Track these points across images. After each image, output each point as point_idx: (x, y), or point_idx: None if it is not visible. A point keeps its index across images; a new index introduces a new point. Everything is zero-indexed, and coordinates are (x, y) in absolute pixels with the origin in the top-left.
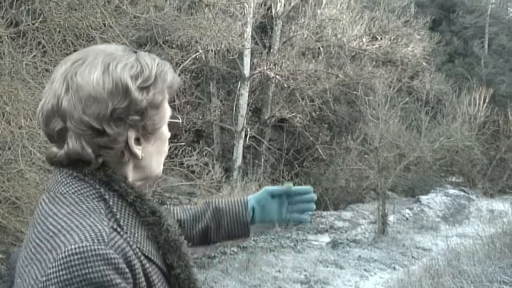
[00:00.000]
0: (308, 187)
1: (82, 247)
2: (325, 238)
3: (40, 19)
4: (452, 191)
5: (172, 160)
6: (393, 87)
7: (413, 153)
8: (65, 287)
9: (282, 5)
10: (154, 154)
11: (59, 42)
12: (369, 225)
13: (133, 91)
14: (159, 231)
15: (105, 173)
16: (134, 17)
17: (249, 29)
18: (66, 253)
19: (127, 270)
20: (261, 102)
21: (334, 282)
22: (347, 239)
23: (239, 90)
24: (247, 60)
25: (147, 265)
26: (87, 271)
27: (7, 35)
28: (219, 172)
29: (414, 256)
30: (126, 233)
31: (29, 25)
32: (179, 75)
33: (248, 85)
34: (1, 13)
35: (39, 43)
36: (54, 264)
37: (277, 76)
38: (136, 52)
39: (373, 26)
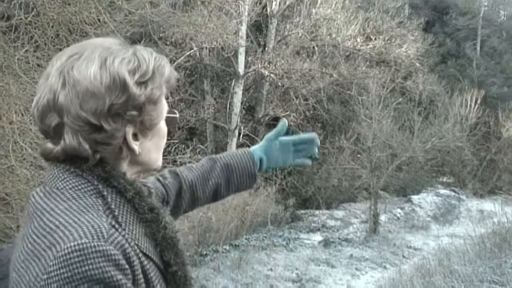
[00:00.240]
0: (312, 135)
1: (82, 243)
2: (317, 237)
3: (33, 13)
4: (443, 191)
5: (165, 157)
6: (386, 87)
7: (405, 153)
8: (66, 284)
9: (277, 3)
10: (152, 150)
11: (52, 37)
12: (360, 224)
13: (131, 86)
14: (157, 228)
15: (103, 169)
16: (129, 13)
17: (244, 27)
18: (66, 251)
19: (126, 266)
20: (255, 101)
21: (325, 281)
22: (339, 238)
23: (233, 88)
24: (241, 58)
25: (145, 262)
26: (87, 268)
27: None
28: None
29: (405, 255)
30: (125, 230)
31: (21, 19)
32: None
33: (242, 83)
34: None
35: (32, 37)
36: (54, 262)
37: (272, 75)
38: (133, 46)
39: (368, 26)
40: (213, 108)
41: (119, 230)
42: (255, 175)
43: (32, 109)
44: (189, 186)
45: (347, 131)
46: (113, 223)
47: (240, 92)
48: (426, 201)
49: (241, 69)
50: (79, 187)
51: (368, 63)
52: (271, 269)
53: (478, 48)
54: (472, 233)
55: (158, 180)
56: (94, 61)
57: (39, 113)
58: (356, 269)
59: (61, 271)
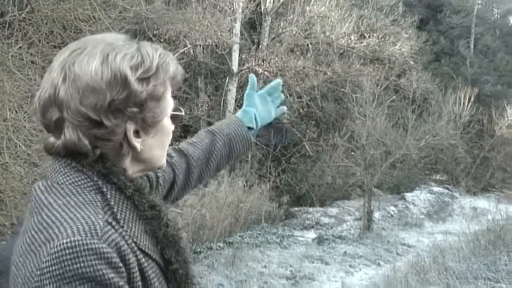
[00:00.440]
0: (277, 80)
1: (74, 241)
2: (311, 234)
3: (27, 9)
4: (436, 188)
5: None
6: (380, 85)
7: (399, 150)
8: (58, 281)
9: (271, 1)
10: (155, 147)
11: (46, 34)
12: (354, 222)
13: (132, 82)
14: (158, 225)
15: (104, 165)
16: (124, 10)
17: (238, 25)
18: (59, 247)
19: (120, 264)
20: None
21: (319, 278)
22: (333, 235)
23: (227, 86)
24: (235, 56)
25: (143, 259)
26: (79, 265)
27: None
28: None
29: (398, 252)
30: (122, 227)
31: (15, 15)
32: None
33: (236, 81)
34: None
35: (26, 34)
36: (47, 258)
37: (266, 72)
38: (138, 42)
39: (362, 24)
40: (207, 105)
41: (116, 227)
42: (251, 141)
43: (35, 103)
44: (197, 162)
45: (341, 128)
46: (110, 220)
47: (234, 90)
48: (419, 198)
49: (235, 67)
50: (79, 183)
51: (362, 60)
52: (265, 266)
53: (472, 46)
54: (466, 231)
55: None
56: (95, 56)
57: (40, 107)
58: (350, 266)
59: (53, 267)
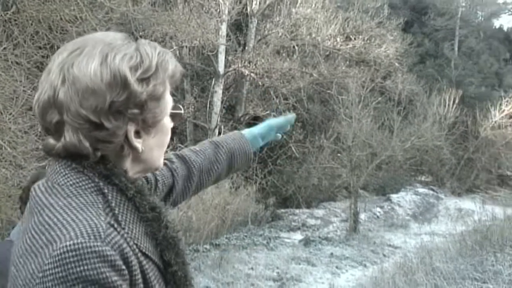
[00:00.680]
0: (292, 116)
1: (78, 243)
2: (298, 236)
3: (13, 10)
4: (421, 190)
5: None
6: (366, 87)
7: (385, 152)
8: (61, 284)
9: (258, 3)
10: (155, 147)
11: (31, 34)
12: (341, 223)
13: (132, 83)
14: (158, 227)
15: (105, 166)
16: (111, 10)
17: (224, 26)
18: (62, 250)
19: (123, 267)
20: (235, 100)
21: (306, 279)
22: (319, 237)
23: (213, 87)
24: (221, 57)
25: (144, 262)
26: (82, 268)
27: None
28: None
29: (385, 253)
30: (124, 229)
31: (0, 16)
32: None
33: (223, 83)
34: None
35: (11, 35)
36: (50, 260)
37: (252, 74)
38: (136, 41)
39: (347, 26)
40: (193, 107)
41: (118, 229)
42: (251, 159)
43: (34, 105)
44: (198, 170)
45: (327, 130)
46: (112, 222)
47: (220, 91)
48: (405, 200)
49: (221, 68)
50: (80, 184)
51: (348, 62)
52: (252, 268)
53: (456, 49)
54: (452, 231)
55: (165, 164)
56: (94, 57)
57: (40, 110)
58: (337, 267)
59: (56, 270)
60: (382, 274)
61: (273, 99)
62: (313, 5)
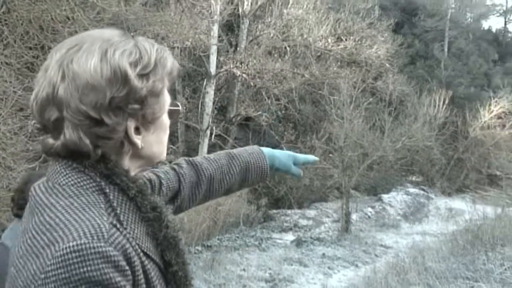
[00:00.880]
0: (313, 158)
1: (81, 244)
2: (290, 237)
3: (3, 9)
4: (412, 190)
5: None
6: (357, 88)
7: (376, 152)
8: (64, 285)
9: (249, 4)
10: (155, 143)
11: (21, 34)
12: (332, 224)
13: (132, 79)
14: (159, 227)
15: (106, 166)
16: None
17: (216, 27)
18: (65, 251)
19: (127, 267)
20: (227, 101)
21: (298, 280)
22: (311, 237)
23: (205, 88)
24: (213, 58)
25: (146, 262)
26: (86, 269)
27: None
28: None
29: (376, 253)
30: (126, 229)
31: None
32: None
33: (214, 83)
34: None
35: (1, 35)
36: (52, 261)
37: (243, 75)
38: (134, 38)
39: (338, 27)
40: (184, 108)
41: (120, 229)
42: (267, 175)
43: (31, 102)
44: (208, 178)
45: (319, 130)
46: (114, 222)
47: (212, 92)
48: (396, 200)
49: (212, 69)
50: (81, 184)
51: (339, 63)
52: (244, 269)
53: (446, 49)
54: (444, 231)
55: (173, 169)
56: (94, 53)
57: (38, 107)
58: (329, 268)
59: (59, 271)
60: (375, 274)
61: (265, 99)
62: (305, 6)
